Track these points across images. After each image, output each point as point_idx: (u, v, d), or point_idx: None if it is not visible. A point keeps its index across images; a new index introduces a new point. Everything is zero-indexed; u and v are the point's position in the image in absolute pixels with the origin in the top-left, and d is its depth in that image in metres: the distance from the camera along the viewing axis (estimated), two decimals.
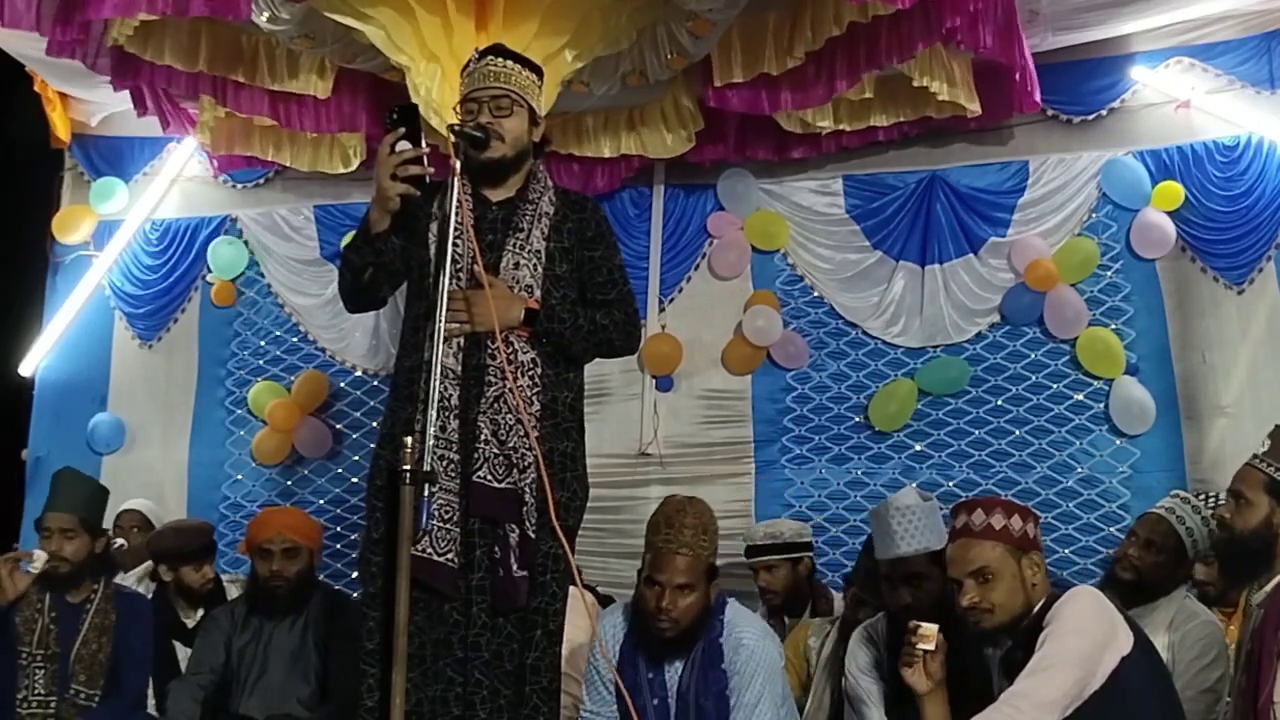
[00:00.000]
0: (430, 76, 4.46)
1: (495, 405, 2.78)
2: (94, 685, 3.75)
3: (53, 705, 3.69)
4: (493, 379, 2.79)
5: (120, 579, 4.67)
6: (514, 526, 2.75)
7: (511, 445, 2.77)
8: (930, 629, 2.82)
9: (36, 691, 3.68)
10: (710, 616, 3.24)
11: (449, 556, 2.73)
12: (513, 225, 2.90)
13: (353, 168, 5.57)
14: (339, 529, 5.52)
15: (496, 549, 2.76)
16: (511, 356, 2.79)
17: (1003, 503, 2.90)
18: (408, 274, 2.93)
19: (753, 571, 4.55)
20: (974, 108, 4.98)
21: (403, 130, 2.75)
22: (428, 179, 2.78)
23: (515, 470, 2.77)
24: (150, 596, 4.30)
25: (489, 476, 2.76)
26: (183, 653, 4.17)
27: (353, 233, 5.52)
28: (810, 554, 4.58)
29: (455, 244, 2.71)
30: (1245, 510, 2.84)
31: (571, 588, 2.87)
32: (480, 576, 2.75)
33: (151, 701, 4.02)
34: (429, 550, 2.69)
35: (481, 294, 2.74)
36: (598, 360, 5.55)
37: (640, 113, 5.27)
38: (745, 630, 3.25)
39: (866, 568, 3.98)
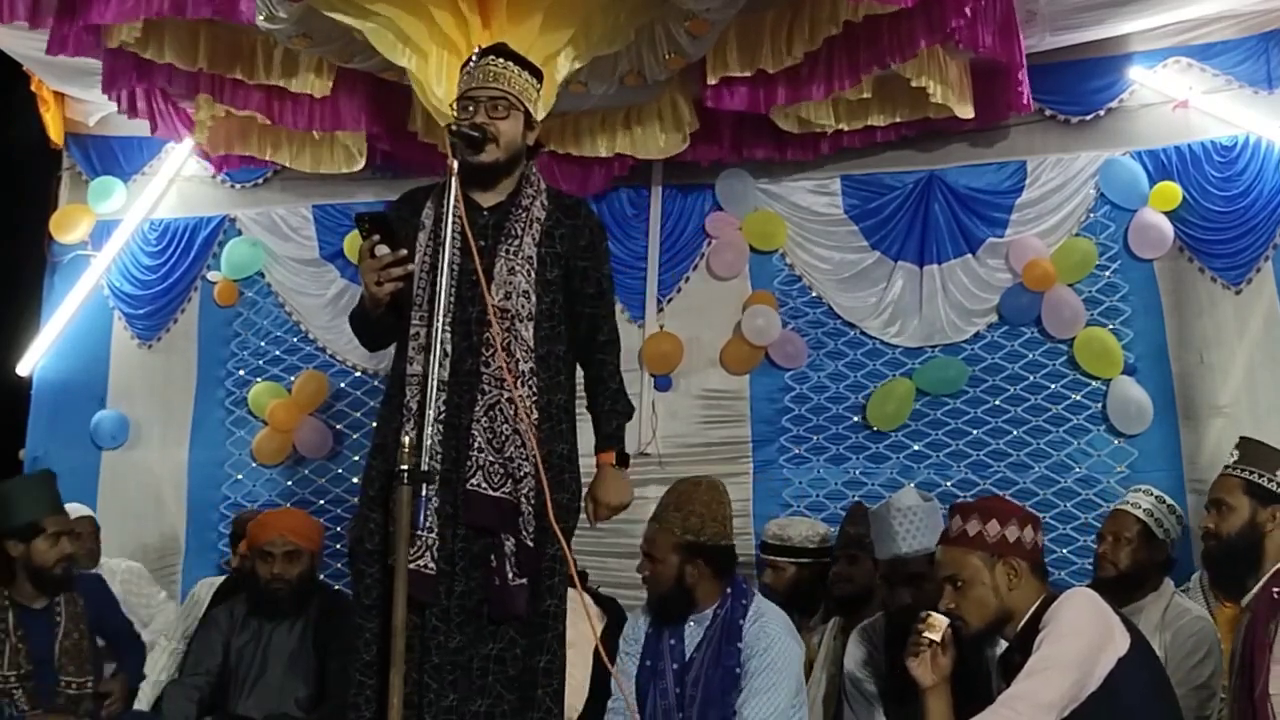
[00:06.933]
0: (438, 72, 4.45)
1: (490, 414, 2.77)
2: (83, 673, 3.79)
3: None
4: (487, 387, 2.78)
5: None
6: (509, 535, 2.74)
7: (508, 455, 2.76)
8: (939, 619, 2.79)
9: (23, 710, 3.69)
10: (731, 599, 3.46)
11: (425, 563, 2.70)
12: (505, 231, 2.89)
13: (354, 168, 5.55)
14: (339, 529, 5.52)
15: (492, 558, 2.74)
16: (512, 366, 2.78)
17: (986, 507, 2.86)
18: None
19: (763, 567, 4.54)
20: (965, 112, 4.98)
21: (377, 236, 2.78)
22: (410, 267, 2.83)
23: (511, 480, 2.75)
24: None
25: (483, 484, 2.75)
26: None
27: (352, 232, 5.62)
28: (825, 559, 4.31)
29: (448, 249, 2.73)
30: (1228, 516, 2.94)
31: (571, 590, 2.88)
32: (469, 583, 2.73)
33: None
34: (413, 561, 2.67)
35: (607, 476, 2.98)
36: None
37: (637, 113, 5.26)
38: (772, 623, 3.43)
39: (847, 537, 4.04)
